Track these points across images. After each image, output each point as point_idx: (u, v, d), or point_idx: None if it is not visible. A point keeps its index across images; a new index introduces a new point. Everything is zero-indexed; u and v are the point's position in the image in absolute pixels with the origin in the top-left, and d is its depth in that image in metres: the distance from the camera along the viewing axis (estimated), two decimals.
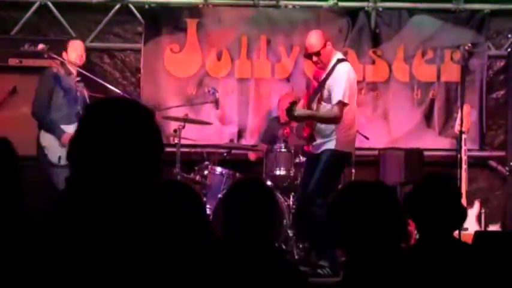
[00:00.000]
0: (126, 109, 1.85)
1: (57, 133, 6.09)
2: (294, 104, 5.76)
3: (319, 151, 5.73)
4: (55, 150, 6.09)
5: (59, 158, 6.01)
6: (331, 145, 5.66)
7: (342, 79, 5.62)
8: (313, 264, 5.77)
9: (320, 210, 5.46)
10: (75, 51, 6.29)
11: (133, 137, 1.81)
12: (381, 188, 2.34)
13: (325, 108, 5.71)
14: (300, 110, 5.76)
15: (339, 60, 5.75)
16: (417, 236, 2.93)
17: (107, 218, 1.75)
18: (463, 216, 2.83)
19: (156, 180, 1.87)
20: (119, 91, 6.45)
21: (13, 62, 7.18)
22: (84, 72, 6.36)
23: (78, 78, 6.31)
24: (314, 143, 5.79)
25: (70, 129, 6.02)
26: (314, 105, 5.82)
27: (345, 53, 7.59)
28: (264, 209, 2.70)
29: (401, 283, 2.22)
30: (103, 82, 6.37)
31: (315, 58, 5.78)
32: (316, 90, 5.83)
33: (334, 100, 5.59)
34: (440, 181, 2.81)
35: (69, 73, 6.27)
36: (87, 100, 6.23)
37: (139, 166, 1.81)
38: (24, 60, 7.16)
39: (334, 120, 5.63)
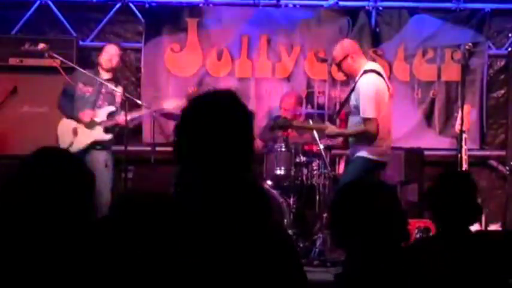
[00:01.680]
0: (232, 104, 1.87)
1: (75, 113, 6.32)
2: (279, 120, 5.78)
3: (353, 156, 5.66)
4: (67, 137, 6.30)
5: (70, 144, 6.17)
6: (363, 153, 5.57)
7: (363, 94, 5.46)
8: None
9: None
10: (106, 53, 6.50)
11: (238, 132, 1.84)
12: (382, 187, 2.36)
13: (353, 123, 5.63)
14: (331, 127, 5.79)
15: (365, 72, 5.56)
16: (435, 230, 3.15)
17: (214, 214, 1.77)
18: (479, 211, 3.03)
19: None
20: (113, 87, 6.45)
21: (13, 61, 7.19)
22: (76, 67, 6.38)
23: (106, 78, 6.42)
24: (350, 147, 5.76)
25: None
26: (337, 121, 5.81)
27: None
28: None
29: (400, 282, 2.23)
30: (98, 78, 6.35)
31: (337, 68, 5.72)
32: (342, 104, 5.84)
33: (361, 116, 5.50)
34: (458, 178, 3.05)
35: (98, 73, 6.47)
36: (116, 99, 6.43)
37: (242, 162, 1.84)
38: (24, 60, 7.17)
39: (367, 135, 5.51)
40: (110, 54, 6.48)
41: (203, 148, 1.81)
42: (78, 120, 6.32)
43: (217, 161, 1.80)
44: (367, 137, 5.52)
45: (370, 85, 5.49)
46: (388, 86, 5.66)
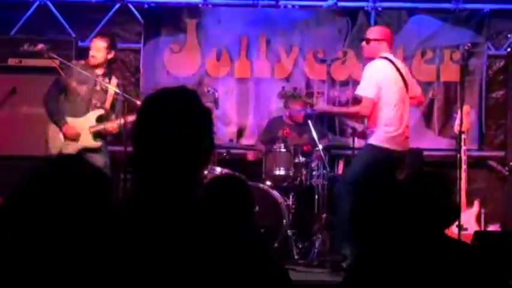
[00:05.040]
0: (185, 99, 1.86)
1: (59, 123, 6.16)
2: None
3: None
4: (57, 141, 6.17)
5: (60, 149, 6.07)
6: (371, 140, 5.63)
7: (365, 74, 5.60)
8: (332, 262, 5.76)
9: (346, 197, 5.50)
10: (91, 50, 6.31)
11: (191, 127, 1.83)
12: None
13: None
14: (321, 104, 5.80)
15: (379, 58, 5.69)
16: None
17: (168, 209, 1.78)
18: (455, 214, 2.87)
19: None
20: (106, 83, 6.42)
21: (13, 62, 7.19)
22: (71, 65, 6.33)
23: (98, 73, 6.28)
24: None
25: (74, 122, 6.18)
26: None
27: (345, 53, 7.63)
28: None
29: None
30: (89, 75, 6.29)
31: (363, 43, 5.80)
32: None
33: (355, 93, 5.65)
34: (429, 179, 2.81)
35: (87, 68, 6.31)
36: (108, 95, 6.29)
37: (194, 156, 1.83)
38: (23, 60, 7.16)
39: (357, 115, 5.65)
40: (93, 50, 6.27)
41: (154, 147, 1.80)
42: (62, 131, 6.16)
43: (168, 160, 1.80)
44: (359, 117, 5.57)
45: (374, 67, 5.61)
46: (403, 77, 5.70)
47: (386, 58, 5.68)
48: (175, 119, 1.81)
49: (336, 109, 5.83)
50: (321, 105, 6.05)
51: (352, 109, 5.64)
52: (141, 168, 1.84)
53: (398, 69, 5.67)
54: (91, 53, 6.29)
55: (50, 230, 1.87)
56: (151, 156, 1.81)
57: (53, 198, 1.88)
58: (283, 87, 6.36)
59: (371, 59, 5.72)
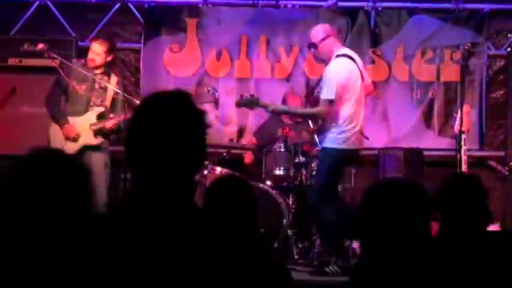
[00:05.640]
0: (179, 102, 1.87)
1: (61, 123, 6.20)
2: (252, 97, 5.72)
3: (322, 144, 5.71)
4: (58, 141, 6.18)
5: (61, 149, 6.07)
6: (325, 143, 5.63)
7: (329, 76, 5.56)
8: (317, 264, 5.79)
9: (320, 206, 5.53)
10: (90, 53, 6.34)
11: (186, 130, 1.83)
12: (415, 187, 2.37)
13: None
14: (275, 104, 5.76)
15: (336, 57, 5.67)
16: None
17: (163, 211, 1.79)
18: (489, 217, 2.99)
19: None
20: (105, 82, 6.43)
21: (13, 61, 7.18)
22: (71, 64, 6.35)
23: (96, 72, 6.30)
24: (317, 142, 5.80)
25: (75, 120, 6.22)
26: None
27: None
28: None
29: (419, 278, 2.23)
30: (88, 74, 6.31)
31: (312, 49, 5.82)
32: (313, 88, 5.86)
33: (321, 98, 5.60)
34: (468, 182, 3.00)
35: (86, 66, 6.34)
36: (108, 94, 6.31)
37: (189, 159, 1.84)
38: (23, 60, 7.17)
39: (317, 116, 5.63)
40: (93, 54, 6.30)
41: (149, 148, 1.81)
42: (63, 132, 6.21)
43: (163, 162, 1.81)
44: (318, 118, 5.56)
45: (336, 69, 5.57)
46: (361, 73, 5.71)
47: (345, 55, 5.67)
48: (169, 120, 1.82)
49: (294, 110, 5.81)
50: (279, 105, 6.00)
51: (312, 110, 5.66)
52: (136, 169, 1.85)
53: (357, 64, 5.69)
54: (90, 55, 6.31)
55: (32, 229, 1.87)
56: (145, 158, 1.82)
57: (31, 196, 1.89)
58: (241, 96, 6.34)
59: (329, 58, 5.69)
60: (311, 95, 7.61)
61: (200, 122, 1.87)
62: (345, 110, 5.59)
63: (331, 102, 5.50)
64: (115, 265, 1.72)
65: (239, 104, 6.06)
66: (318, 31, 5.77)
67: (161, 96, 1.90)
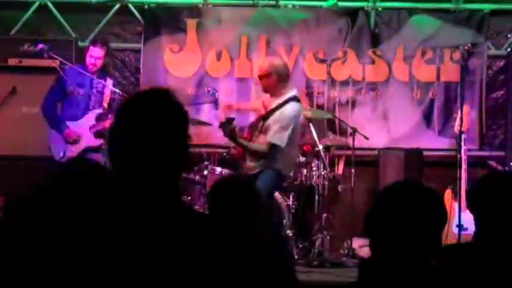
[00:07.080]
0: (160, 99, 1.87)
1: (60, 129, 6.31)
2: (230, 120, 5.69)
3: (262, 168, 5.72)
4: (60, 146, 6.27)
5: (63, 153, 6.17)
6: (277, 166, 5.70)
7: (283, 122, 5.62)
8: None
9: None
10: (88, 57, 6.40)
11: (167, 127, 1.84)
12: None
13: (260, 142, 5.73)
14: (240, 138, 5.76)
15: (292, 99, 5.73)
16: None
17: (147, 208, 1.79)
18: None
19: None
20: (102, 82, 6.46)
21: (13, 62, 7.17)
22: (73, 66, 6.39)
23: (93, 77, 6.39)
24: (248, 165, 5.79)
25: (74, 124, 6.33)
26: (256, 133, 5.83)
27: (345, 53, 7.63)
28: None
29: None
30: (89, 74, 6.35)
31: (260, 77, 5.83)
32: (261, 118, 5.85)
33: (270, 138, 5.62)
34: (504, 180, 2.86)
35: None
36: (105, 95, 6.42)
37: (173, 156, 1.84)
38: (23, 60, 7.16)
39: (262, 155, 5.68)
40: (94, 58, 6.37)
41: (131, 147, 1.81)
42: (63, 136, 6.32)
43: (146, 161, 1.81)
44: (261, 156, 5.64)
45: (290, 115, 5.65)
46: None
47: (298, 99, 5.83)
48: (148, 117, 1.82)
49: (243, 142, 5.77)
50: (244, 141, 5.97)
51: (259, 148, 5.67)
52: (117, 166, 1.85)
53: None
54: (92, 60, 6.37)
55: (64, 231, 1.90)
56: (126, 155, 1.83)
57: (71, 201, 1.92)
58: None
59: (272, 94, 5.80)
60: (311, 95, 7.63)
61: (180, 119, 1.87)
62: (294, 151, 5.85)
63: (278, 147, 5.62)
64: (98, 263, 1.73)
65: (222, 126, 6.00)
66: (277, 66, 5.83)
67: (141, 95, 1.91)
